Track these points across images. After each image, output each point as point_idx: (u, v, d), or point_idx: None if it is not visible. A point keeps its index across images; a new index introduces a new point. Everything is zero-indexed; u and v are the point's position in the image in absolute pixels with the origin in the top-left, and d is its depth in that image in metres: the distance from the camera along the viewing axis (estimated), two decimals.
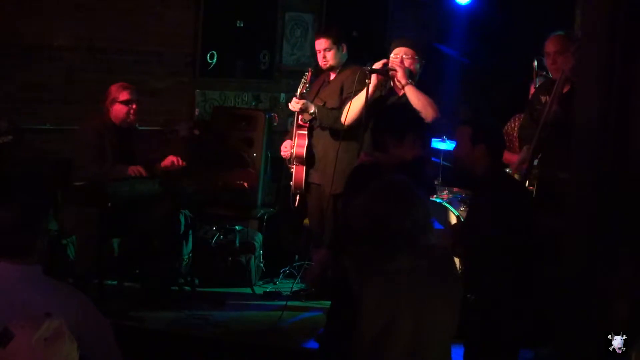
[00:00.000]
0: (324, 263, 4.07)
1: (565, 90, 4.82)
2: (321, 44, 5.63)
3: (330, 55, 5.60)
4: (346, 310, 2.81)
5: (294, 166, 5.75)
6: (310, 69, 5.85)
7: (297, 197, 5.81)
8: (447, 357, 2.93)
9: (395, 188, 2.90)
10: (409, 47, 5.20)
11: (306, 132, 5.72)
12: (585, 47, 3.71)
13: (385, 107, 4.99)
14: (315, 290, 5.65)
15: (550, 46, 4.95)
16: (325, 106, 5.62)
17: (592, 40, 3.60)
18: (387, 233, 2.81)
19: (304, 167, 5.73)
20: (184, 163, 5.69)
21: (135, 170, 5.39)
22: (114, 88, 5.55)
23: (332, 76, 5.69)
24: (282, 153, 5.85)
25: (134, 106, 5.56)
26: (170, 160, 5.66)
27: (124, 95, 5.53)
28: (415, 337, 2.79)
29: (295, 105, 5.62)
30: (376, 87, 5.18)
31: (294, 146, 5.72)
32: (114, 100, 5.52)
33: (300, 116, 5.71)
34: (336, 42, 5.59)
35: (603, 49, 3.51)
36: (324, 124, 5.60)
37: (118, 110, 5.53)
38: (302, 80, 5.73)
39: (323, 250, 4.26)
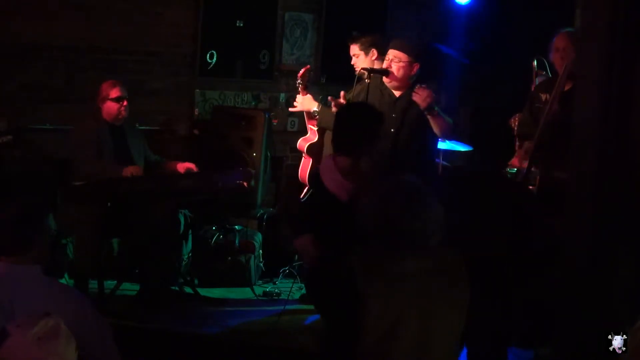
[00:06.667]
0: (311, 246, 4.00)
1: (566, 88, 4.80)
2: (351, 49, 5.53)
3: (359, 61, 5.48)
4: (351, 309, 2.81)
5: (302, 158, 5.74)
6: (308, 65, 5.84)
7: (304, 190, 5.77)
8: (453, 358, 2.93)
9: (406, 189, 2.88)
10: (400, 50, 5.03)
11: (316, 128, 5.64)
12: (585, 47, 3.70)
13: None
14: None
15: (560, 41, 4.94)
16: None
17: (592, 40, 3.60)
18: (397, 234, 2.81)
19: (311, 161, 5.68)
20: (197, 169, 5.74)
21: (130, 171, 5.39)
22: (104, 86, 5.59)
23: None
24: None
25: (124, 103, 5.59)
26: (185, 168, 5.68)
27: (114, 93, 5.56)
28: (421, 339, 2.79)
29: (296, 103, 5.57)
30: None
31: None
32: (105, 98, 5.56)
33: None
34: (363, 49, 5.47)
35: (603, 49, 3.50)
36: (324, 125, 5.51)
37: (109, 108, 5.56)
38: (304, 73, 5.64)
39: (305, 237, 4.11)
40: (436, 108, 4.87)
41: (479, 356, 3.77)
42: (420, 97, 4.85)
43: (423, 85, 4.88)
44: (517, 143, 5.54)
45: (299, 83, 5.54)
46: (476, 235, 3.63)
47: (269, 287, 5.99)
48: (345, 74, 5.65)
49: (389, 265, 2.82)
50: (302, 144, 5.69)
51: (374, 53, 5.46)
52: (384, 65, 5.12)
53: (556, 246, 3.82)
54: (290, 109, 5.71)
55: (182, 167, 5.74)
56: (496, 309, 3.72)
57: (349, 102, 5.05)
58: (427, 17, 7.76)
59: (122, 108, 5.58)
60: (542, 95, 5.05)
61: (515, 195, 4.05)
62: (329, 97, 5.27)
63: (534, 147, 4.82)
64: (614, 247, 3.52)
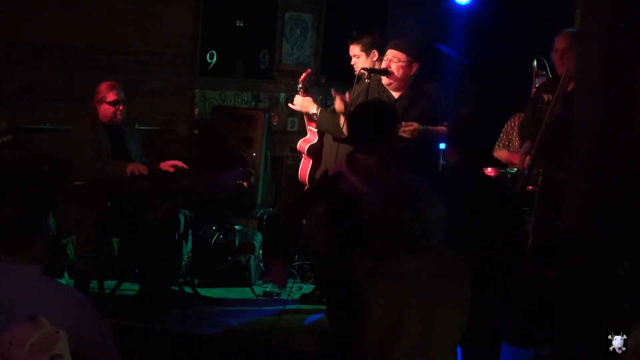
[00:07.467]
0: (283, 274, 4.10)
1: (569, 88, 4.80)
2: (351, 50, 5.54)
3: (360, 61, 5.48)
4: (352, 309, 2.81)
5: (302, 158, 5.74)
6: (309, 69, 5.83)
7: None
8: (453, 358, 2.93)
9: (408, 189, 2.89)
10: (398, 50, 5.06)
11: (316, 130, 5.63)
12: (585, 47, 3.70)
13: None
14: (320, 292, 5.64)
15: (560, 42, 4.93)
16: (329, 110, 5.55)
17: (592, 40, 3.60)
18: (398, 233, 2.81)
19: (311, 162, 5.67)
20: (186, 166, 5.70)
21: (133, 169, 5.38)
22: (102, 87, 5.55)
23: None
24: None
25: (120, 107, 5.56)
26: (170, 165, 5.65)
27: (111, 96, 5.53)
28: (422, 338, 2.79)
29: (295, 102, 5.56)
30: None
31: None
32: (102, 100, 5.53)
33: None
34: (364, 50, 5.48)
35: (603, 49, 3.50)
36: (322, 128, 5.51)
37: (105, 110, 5.54)
38: (305, 77, 5.63)
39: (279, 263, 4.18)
40: (422, 128, 4.99)
41: (474, 354, 3.77)
42: (407, 133, 4.94)
43: (402, 123, 4.93)
44: (517, 143, 5.54)
45: (299, 87, 5.57)
46: (476, 235, 3.63)
47: (269, 287, 5.98)
48: (345, 74, 5.66)
49: (390, 265, 2.83)
50: (303, 145, 5.71)
51: (375, 54, 5.47)
52: (383, 66, 5.13)
53: (555, 246, 3.82)
54: (290, 105, 5.70)
55: (165, 165, 5.65)
56: (495, 308, 3.73)
57: (362, 101, 5.03)
58: (427, 17, 7.76)
59: (118, 112, 5.56)
60: (544, 95, 5.05)
61: (515, 195, 4.05)
62: (332, 91, 5.28)
63: (537, 147, 4.82)
64: (614, 247, 3.52)
